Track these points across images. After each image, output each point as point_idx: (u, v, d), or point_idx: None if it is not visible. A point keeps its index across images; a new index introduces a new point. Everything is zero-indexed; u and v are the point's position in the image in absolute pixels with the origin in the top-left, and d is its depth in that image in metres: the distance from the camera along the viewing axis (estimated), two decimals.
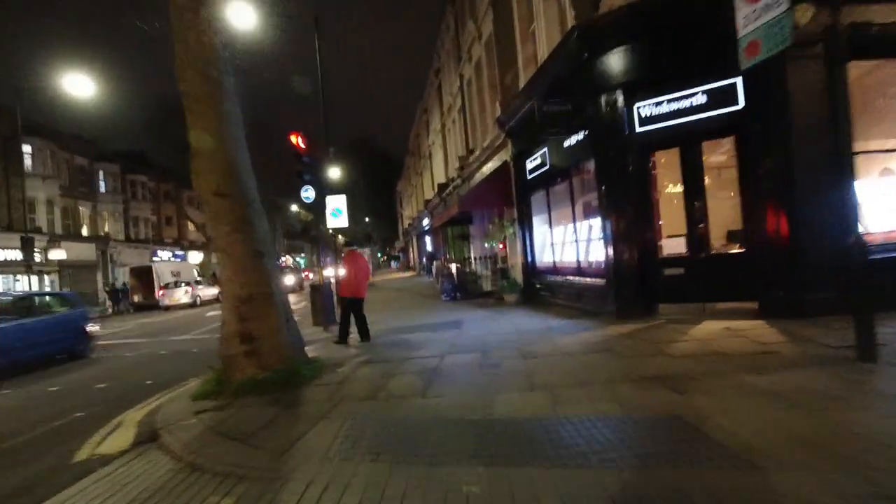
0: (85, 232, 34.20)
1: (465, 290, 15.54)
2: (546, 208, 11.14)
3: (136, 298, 28.28)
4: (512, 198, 12.72)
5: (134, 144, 43.48)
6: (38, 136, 29.32)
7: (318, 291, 10.90)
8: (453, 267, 16.26)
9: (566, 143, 9.34)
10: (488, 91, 14.52)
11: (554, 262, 10.92)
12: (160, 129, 41.28)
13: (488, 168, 14.19)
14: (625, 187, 7.82)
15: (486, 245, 15.64)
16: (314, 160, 10.21)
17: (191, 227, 49.79)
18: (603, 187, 8.09)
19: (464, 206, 13.10)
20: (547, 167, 10.43)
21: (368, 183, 68.87)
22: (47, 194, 30.15)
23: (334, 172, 41.70)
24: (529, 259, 12.04)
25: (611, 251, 7.99)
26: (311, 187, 10.29)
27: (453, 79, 19.13)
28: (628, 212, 7.82)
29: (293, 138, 9.77)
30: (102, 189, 36.51)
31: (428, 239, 32.80)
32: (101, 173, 36.36)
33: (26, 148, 28.84)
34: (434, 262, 27.09)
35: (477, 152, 15.92)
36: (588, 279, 9.07)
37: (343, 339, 8.50)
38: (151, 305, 26.97)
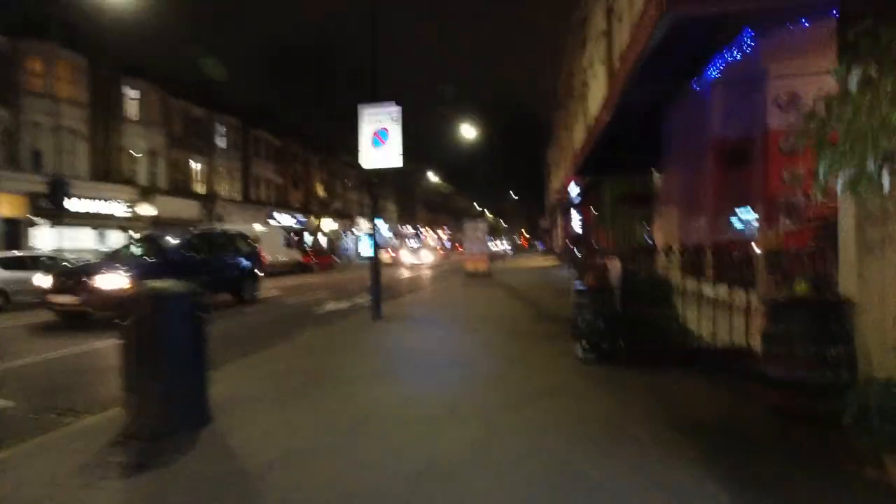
0: (201, 189, 31.50)
1: (635, 342, 5.67)
2: None
3: None
4: None
5: (250, 99, 40.49)
6: (142, 79, 26.39)
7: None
8: (614, 270, 6.43)
9: None
10: None
11: None
12: (279, 80, 37.68)
13: None
14: None
15: (739, 214, 5.43)
16: None
17: (319, 191, 46.65)
18: None
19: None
20: None
21: (513, 156, 59.49)
22: (150, 144, 27.30)
23: (466, 130, 33.38)
24: None
25: None
26: None
27: None
28: None
29: None
30: (220, 144, 33.55)
31: (576, 215, 22.37)
32: (218, 126, 33.36)
33: (131, 92, 26.14)
34: (577, 251, 16.98)
35: None
36: None
37: None
38: None
